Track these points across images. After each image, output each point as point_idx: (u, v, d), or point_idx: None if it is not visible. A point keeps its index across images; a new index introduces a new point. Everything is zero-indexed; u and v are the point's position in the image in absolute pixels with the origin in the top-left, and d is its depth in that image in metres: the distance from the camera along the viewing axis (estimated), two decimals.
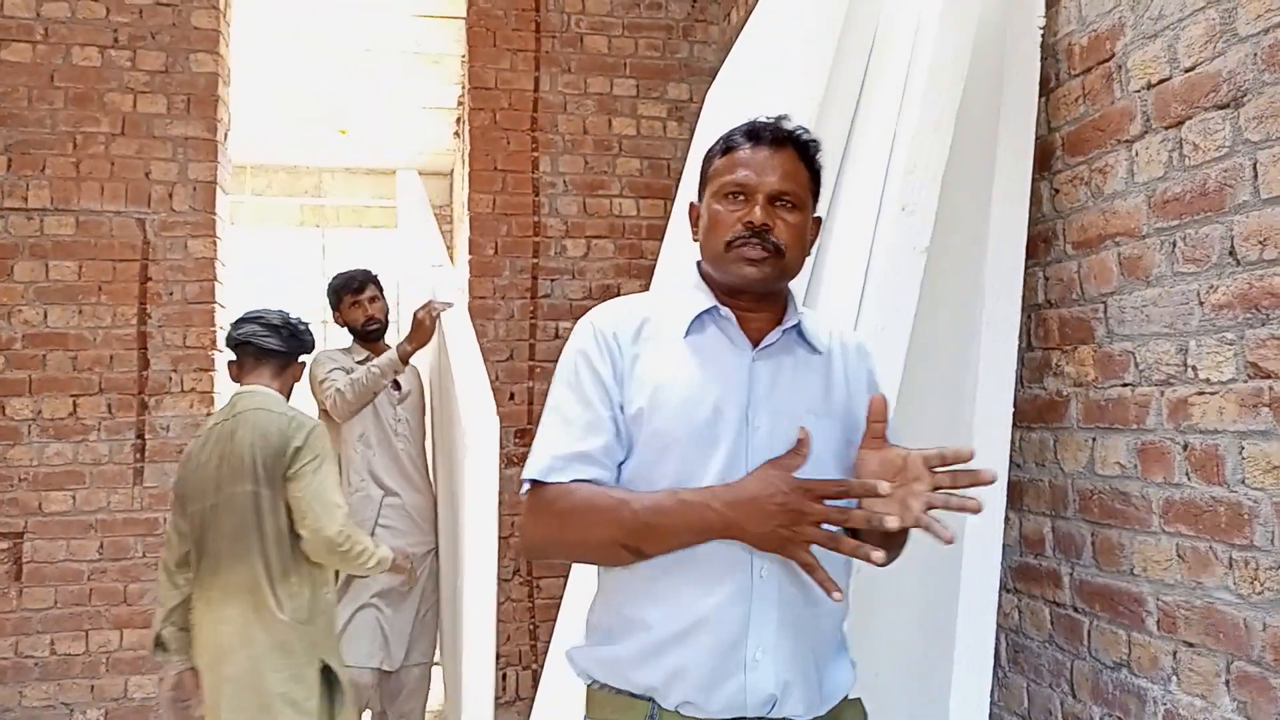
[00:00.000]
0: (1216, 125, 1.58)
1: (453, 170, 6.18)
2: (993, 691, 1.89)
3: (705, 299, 1.33)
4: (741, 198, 1.31)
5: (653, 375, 1.29)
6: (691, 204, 1.44)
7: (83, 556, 3.57)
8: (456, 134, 5.39)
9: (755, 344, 1.32)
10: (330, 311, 3.43)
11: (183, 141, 3.75)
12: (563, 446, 1.26)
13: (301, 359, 2.58)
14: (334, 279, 3.43)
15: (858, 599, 1.79)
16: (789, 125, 1.35)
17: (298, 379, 2.59)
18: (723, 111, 2.51)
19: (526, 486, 1.28)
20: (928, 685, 1.84)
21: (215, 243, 3.77)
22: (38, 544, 3.56)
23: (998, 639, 1.99)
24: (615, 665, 1.28)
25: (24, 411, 3.59)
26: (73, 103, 3.68)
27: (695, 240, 1.39)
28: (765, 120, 1.35)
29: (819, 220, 1.40)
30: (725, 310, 1.32)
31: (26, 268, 3.62)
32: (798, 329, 1.35)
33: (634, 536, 1.20)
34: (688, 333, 1.32)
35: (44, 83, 3.66)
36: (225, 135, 3.92)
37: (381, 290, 3.42)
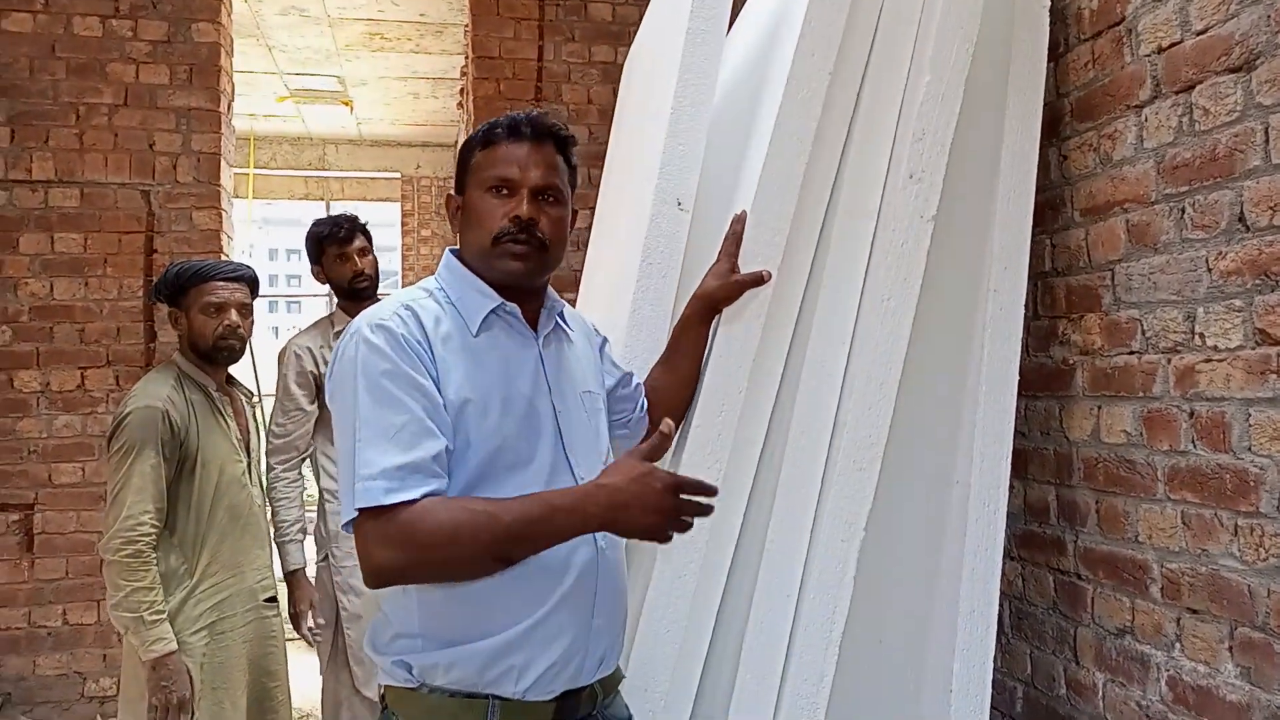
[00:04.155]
0: (1228, 89, 1.56)
1: (456, 141, 6.15)
2: (996, 658, 1.90)
3: (488, 297, 1.35)
4: (505, 192, 1.34)
5: (466, 377, 1.28)
6: (449, 195, 1.45)
7: (93, 527, 3.60)
8: (460, 105, 5.35)
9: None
10: (310, 266, 2.97)
11: (186, 112, 3.74)
12: (392, 459, 1.17)
13: (175, 306, 2.32)
14: (315, 226, 2.95)
15: (863, 568, 1.80)
16: (548, 120, 1.38)
17: (180, 326, 2.32)
18: (728, 80, 2.48)
19: (355, 515, 1.17)
20: (931, 652, 1.85)
21: (220, 214, 3.77)
22: (48, 515, 3.60)
23: (1001, 606, 1.99)
24: (461, 667, 1.24)
25: (32, 384, 3.61)
26: (75, 73, 3.67)
27: (455, 232, 1.42)
28: (525, 114, 1.37)
29: (576, 213, 1.45)
30: (511, 306, 1.35)
31: (32, 240, 3.63)
32: (560, 315, 1.44)
33: (506, 548, 1.18)
34: (478, 331, 1.32)
35: (45, 53, 3.64)
36: (229, 106, 3.91)
37: (370, 240, 2.96)
